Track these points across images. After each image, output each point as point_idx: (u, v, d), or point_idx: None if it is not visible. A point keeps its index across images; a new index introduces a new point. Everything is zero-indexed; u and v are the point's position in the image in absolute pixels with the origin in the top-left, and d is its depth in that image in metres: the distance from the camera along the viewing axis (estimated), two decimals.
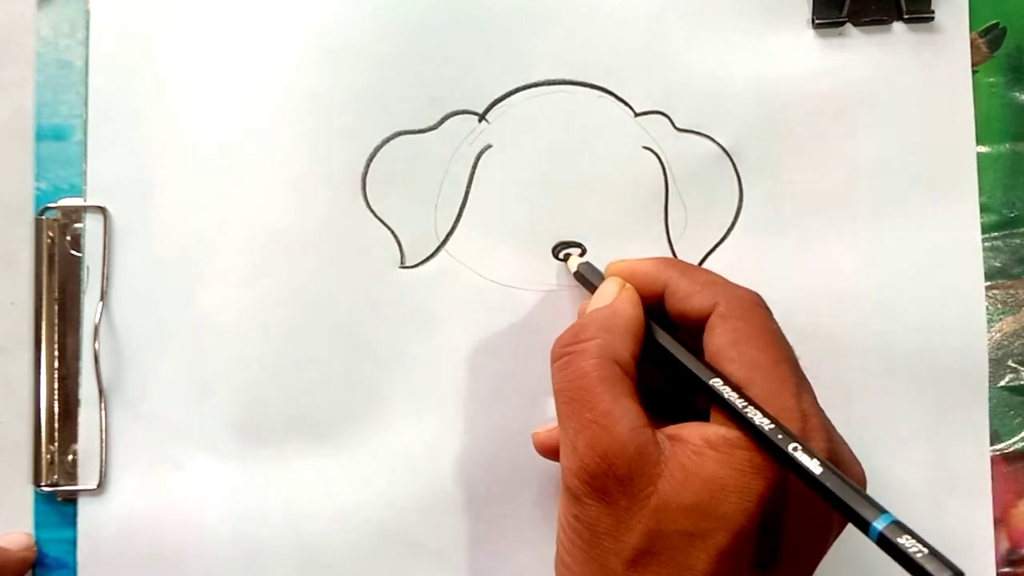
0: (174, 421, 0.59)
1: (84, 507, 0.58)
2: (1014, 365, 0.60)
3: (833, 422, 0.47)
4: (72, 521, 0.58)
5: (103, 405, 0.58)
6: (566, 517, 0.47)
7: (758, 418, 0.43)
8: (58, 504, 0.59)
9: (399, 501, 0.59)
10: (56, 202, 0.59)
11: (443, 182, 0.59)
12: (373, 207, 0.59)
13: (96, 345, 0.58)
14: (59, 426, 0.58)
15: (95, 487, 0.58)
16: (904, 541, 0.38)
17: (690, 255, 0.59)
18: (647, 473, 0.44)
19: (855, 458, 0.48)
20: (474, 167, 0.59)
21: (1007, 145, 0.60)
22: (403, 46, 0.59)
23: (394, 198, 0.59)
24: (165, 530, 0.59)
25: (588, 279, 0.55)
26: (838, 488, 0.41)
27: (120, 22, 0.59)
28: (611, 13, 0.60)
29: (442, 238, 0.59)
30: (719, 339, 0.47)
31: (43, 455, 0.58)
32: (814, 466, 0.41)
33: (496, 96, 0.59)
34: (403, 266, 0.59)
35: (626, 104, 0.59)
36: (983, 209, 0.60)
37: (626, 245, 0.59)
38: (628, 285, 0.52)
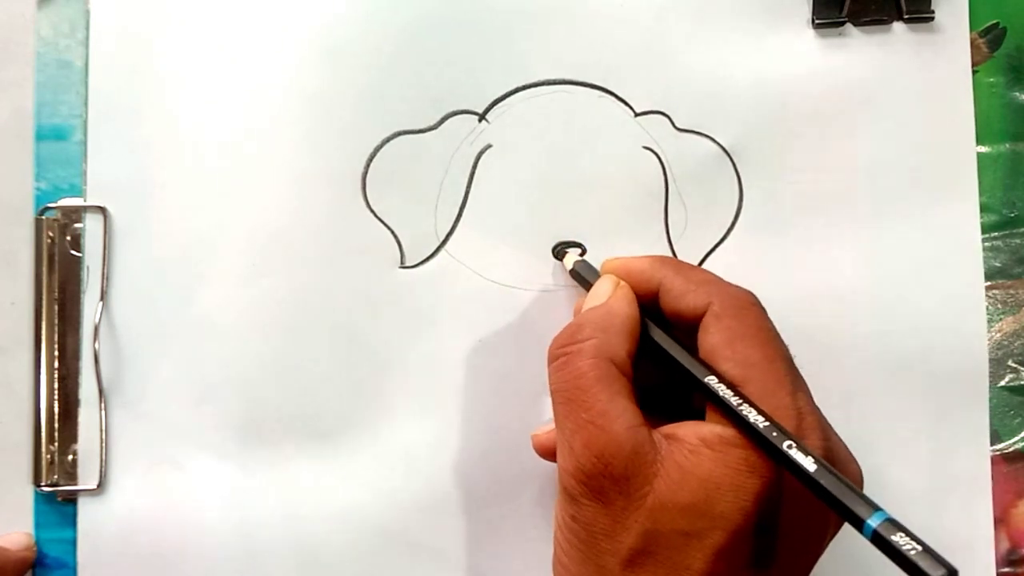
0: (174, 421, 0.59)
1: (84, 507, 0.58)
2: (1014, 365, 0.60)
3: (832, 422, 0.47)
4: (72, 521, 0.58)
5: (103, 405, 0.58)
6: (563, 517, 0.47)
7: (753, 416, 0.43)
8: (58, 504, 0.59)
9: (399, 501, 0.59)
10: (56, 202, 0.59)
11: (443, 182, 0.59)
12: (373, 207, 0.59)
13: (96, 345, 0.58)
14: (59, 426, 0.58)
15: (95, 487, 0.58)
16: (898, 538, 0.38)
17: (690, 255, 0.59)
18: (643, 473, 0.44)
19: (852, 456, 0.47)
20: (474, 167, 0.59)
21: (1007, 145, 0.60)
22: (403, 46, 0.59)
23: (394, 198, 0.59)
24: (165, 530, 0.59)
25: (584, 277, 0.55)
26: (832, 485, 0.41)
27: (120, 22, 0.59)
28: (611, 13, 0.60)
29: (442, 238, 0.59)
30: (714, 338, 0.47)
31: (43, 455, 0.58)
32: (808, 463, 0.41)
33: (496, 96, 0.59)
34: (403, 266, 0.59)
35: (626, 104, 0.59)
36: (983, 209, 0.60)
37: (626, 245, 0.59)
38: (623, 283, 0.51)
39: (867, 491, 0.41)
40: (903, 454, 0.59)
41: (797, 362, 0.48)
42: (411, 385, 0.59)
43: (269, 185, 0.59)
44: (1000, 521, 0.60)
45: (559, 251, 0.59)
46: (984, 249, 0.60)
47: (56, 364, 0.59)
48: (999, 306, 0.60)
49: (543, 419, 0.58)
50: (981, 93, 0.60)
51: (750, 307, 0.48)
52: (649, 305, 0.51)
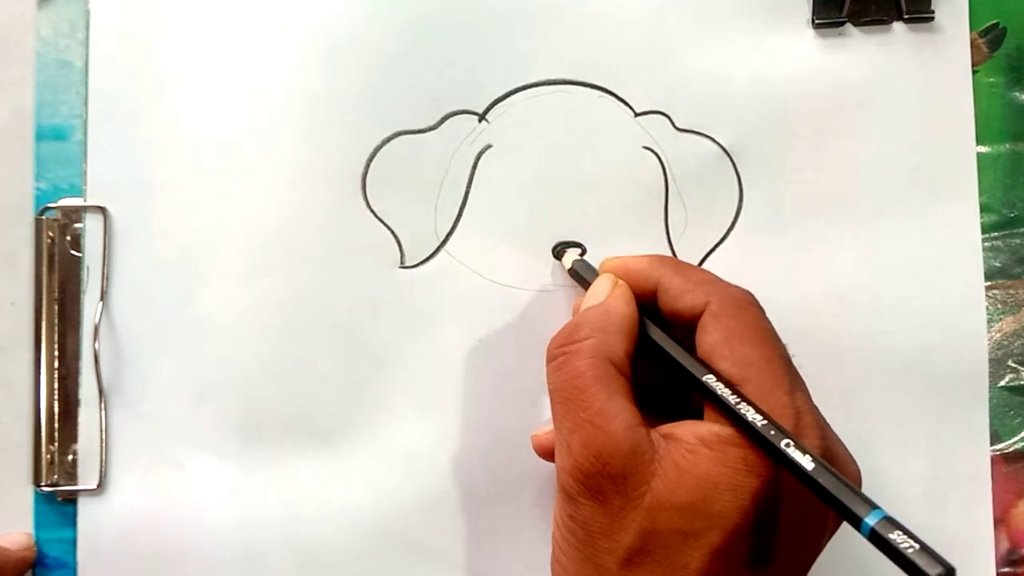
0: (174, 421, 0.59)
1: (84, 507, 0.58)
2: (1014, 365, 0.60)
3: (832, 422, 0.47)
4: (72, 521, 0.58)
5: (103, 405, 0.58)
6: (561, 516, 0.47)
7: (751, 415, 0.43)
8: (58, 504, 0.59)
9: (399, 501, 0.59)
10: (56, 202, 0.59)
11: (443, 182, 0.59)
12: (373, 207, 0.59)
13: (96, 345, 0.58)
14: (59, 426, 0.59)
15: (95, 487, 0.58)
16: (896, 537, 0.38)
17: (690, 255, 0.59)
18: (641, 472, 0.44)
19: (850, 456, 0.47)
20: (474, 167, 0.59)
21: (1007, 145, 0.60)
22: (403, 46, 0.59)
23: (394, 198, 0.59)
24: (165, 530, 0.59)
25: (583, 276, 0.55)
26: (830, 484, 0.41)
27: (120, 22, 0.59)
28: (611, 13, 0.60)
29: (442, 238, 0.59)
30: (712, 337, 0.47)
31: (43, 455, 0.58)
32: (806, 462, 0.41)
33: (496, 96, 0.59)
34: (403, 266, 0.59)
35: (626, 104, 0.59)
36: (983, 209, 0.60)
37: (626, 245, 0.59)
38: (621, 282, 0.51)
39: (867, 491, 0.41)
40: (903, 454, 0.59)
41: (797, 362, 0.48)
42: (411, 385, 0.59)
43: (269, 185, 0.59)
44: (1000, 521, 0.59)
45: (559, 251, 0.59)
46: (984, 249, 0.60)
47: (56, 364, 0.59)
48: (999, 306, 0.60)
49: (543, 419, 0.58)
50: (981, 93, 0.60)
51: (748, 306, 0.48)
52: (648, 304, 0.51)
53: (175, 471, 0.59)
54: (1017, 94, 0.61)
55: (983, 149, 0.60)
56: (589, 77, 0.59)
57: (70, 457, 0.58)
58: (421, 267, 0.59)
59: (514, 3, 0.59)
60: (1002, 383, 0.60)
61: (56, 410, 0.59)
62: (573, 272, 0.56)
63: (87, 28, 0.59)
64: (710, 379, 0.45)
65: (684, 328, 0.49)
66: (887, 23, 0.60)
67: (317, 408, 0.59)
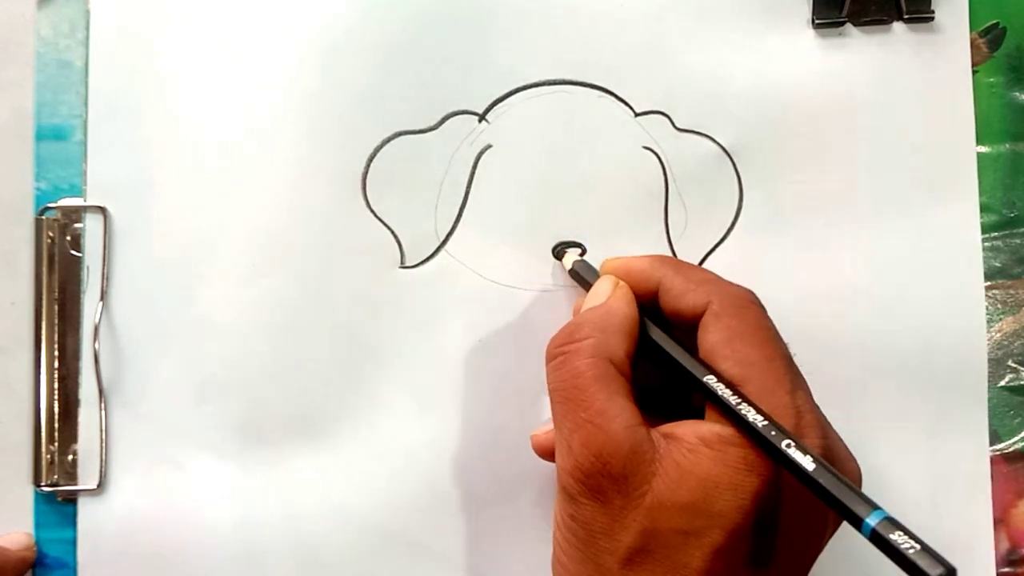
0: (174, 421, 0.59)
1: (84, 507, 0.58)
2: (1014, 365, 0.60)
3: (832, 421, 0.47)
4: (72, 521, 0.58)
5: (103, 405, 0.58)
6: (562, 516, 0.47)
7: (752, 415, 0.43)
8: (58, 504, 0.59)
9: (399, 501, 0.59)
10: (56, 202, 0.59)
11: (443, 182, 0.59)
12: (373, 207, 0.59)
13: (96, 345, 0.58)
14: (59, 426, 0.59)
15: (95, 487, 0.58)
16: (897, 537, 0.38)
17: (690, 255, 0.59)
18: (642, 472, 0.44)
19: (851, 456, 0.47)
20: (474, 167, 0.59)
21: (1007, 145, 0.60)
22: (403, 46, 0.59)
23: (394, 198, 0.59)
24: (165, 530, 0.59)
25: (583, 277, 0.55)
26: (831, 484, 0.41)
27: (120, 22, 0.59)
28: (611, 13, 0.60)
29: (442, 238, 0.59)
30: (713, 337, 0.47)
31: (43, 455, 0.58)
32: (807, 462, 0.41)
33: (496, 96, 0.59)
34: (403, 266, 0.59)
35: (626, 104, 0.59)
36: (983, 209, 0.60)
37: (626, 245, 0.59)
38: (622, 283, 0.51)
39: (867, 491, 0.41)
40: (903, 454, 0.59)
41: (797, 361, 0.48)
42: (411, 385, 0.59)
43: (269, 185, 0.59)
44: (1000, 521, 0.60)
45: (559, 251, 0.59)
46: (984, 249, 0.60)
47: (56, 364, 0.59)
48: (999, 306, 0.60)
49: (543, 419, 0.58)
50: (981, 93, 0.60)
51: (750, 306, 0.48)
52: (649, 305, 0.51)
53: (175, 471, 0.59)
54: (1017, 94, 0.61)
55: (983, 149, 0.60)
56: (589, 77, 0.59)
57: (70, 457, 0.58)
58: (421, 267, 0.59)
59: (514, 3, 0.59)
60: (1002, 383, 0.60)
61: (56, 410, 0.59)
62: (574, 273, 0.56)
63: (87, 28, 0.59)
64: (711, 380, 0.45)
65: (686, 328, 0.49)
66: (887, 23, 0.60)
67: (317, 408, 0.59)
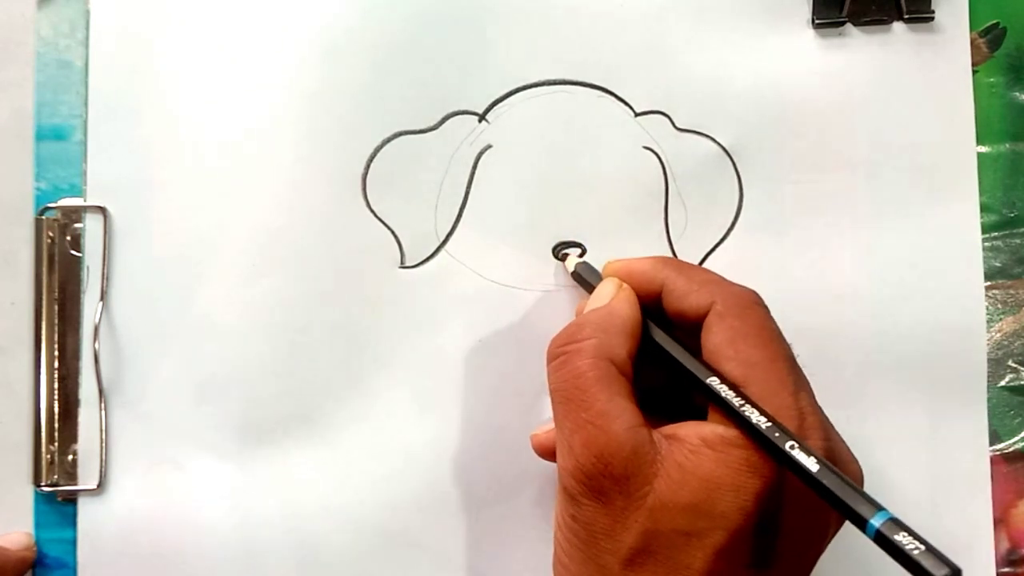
0: (174, 421, 0.59)
1: (84, 507, 0.58)
2: (1014, 365, 0.60)
3: (832, 421, 0.47)
4: (72, 521, 0.58)
5: (103, 405, 0.58)
6: (563, 517, 0.47)
7: (755, 416, 0.43)
8: (58, 504, 0.59)
9: (399, 501, 0.59)
10: (56, 202, 0.59)
11: (443, 182, 0.59)
12: (373, 207, 0.59)
13: (96, 345, 0.58)
14: (59, 426, 0.58)
15: (95, 487, 0.58)
16: (901, 538, 0.38)
17: (690, 255, 0.59)
18: (643, 473, 0.44)
19: (853, 456, 0.47)
20: (474, 167, 0.59)
21: (1007, 145, 0.60)
22: (403, 46, 0.59)
23: (394, 198, 0.59)
24: (165, 530, 0.58)
25: (586, 279, 0.55)
26: (835, 486, 0.41)
27: (120, 22, 0.59)
28: (611, 13, 0.60)
29: (442, 238, 0.59)
30: (716, 338, 0.47)
31: (43, 455, 0.58)
32: (811, 464, 0.41)
33: (496, 96, 0.59)
34: (403, 266, 0.59)
35: (626, 104, 0.59)
36: (983, 209, 0.60)
37: (626, 245, 0.59)
38: (625, 285, 0.51)
39: (867, 491, 0.41)
40: (903, 454, 0.59)
41: (798, 361, 0.48)
42: (411, 385, 0.59)
43: (269, 185, 0.59)
44: (1000, 521, 0.60)
45: (559, 251, 0.59)
46: (984, 249, 0.60)
47: (56, 364, 0.59)
48: (999, 306, 0.60)
49: (543, 419, 0.57)
50: (981, 93, 0.60)
51: (753, 306, 0.48)
52: (652, 306, 0.51)
53: (175, 471, 0.59)
54: (1017, 94, 0.61)
55: (983, 149, 0.60)
56: (589, 77, 0.59)
57: (70, 457, 0.58)
58: (421, 267, 0.59)
59: (514, 3, 0.59)
60: (1002, 383, 0.60)
61: (56, 410, 0.59)
62: (576, 275, 0.56)
63: (87, 28, 0.59)
64: (714, 381, 0.45)
65: (689, 329, 0.49)
66: (887, 23, 0.60)
67: (317, 408, 0.59)
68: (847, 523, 0.42)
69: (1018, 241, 0.60)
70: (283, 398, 0.59)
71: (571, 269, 0.57)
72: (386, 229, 0.59)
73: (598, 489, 0.45)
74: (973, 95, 0.60)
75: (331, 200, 0.59)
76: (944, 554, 0.37)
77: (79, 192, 0.59)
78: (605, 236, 0.59)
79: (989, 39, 0.61)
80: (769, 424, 0.43)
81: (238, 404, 0.59)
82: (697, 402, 0.49)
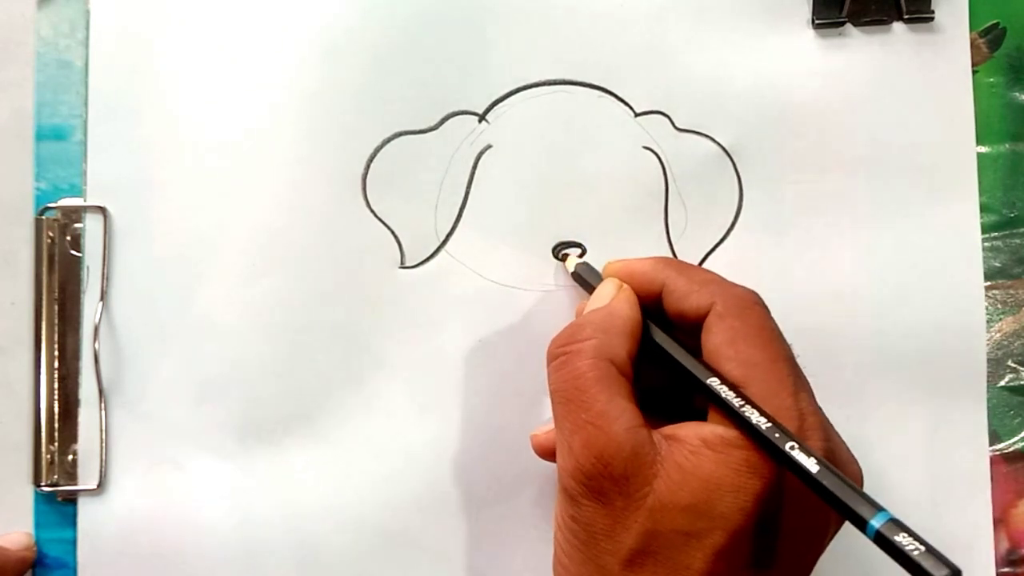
0: (174, 421, 0.59)
1: (84, 507, 0.58)
2: (1014, 365, 0.60)
3: (832, 422, 0.47)
4: (72, 521, 0.58)
5: (103, 405, 0.58)
6: (563, 517, 0.47)
7: (755, 417, 0.43)
8: (58, 504, 0.59)
9: (399, 501, 0.59)
10: (56, 202, 0.59)
11: (443, 182, 0.59)
12: (373, 207, 0.59)
13: (96, 345, 0.58)
14: (59, 426, 0.58)
15: (95, 487, 0.58)
16: (901, 539, 0.38)
17: (690, 255, 0.59)
18: (643, 473, 0.44)
19: (853, 457, 0.47)
20: (474, 167, 0.59)
21: (1007, 145, 0.60)
22: (403, 46, 0.59)
23: (394, 198, 0.59)
24: (165, 530, 0.59)
25: (586, 279, 0.55)
26: (835, 486, 0.41)
27: (120, 22, 0.59)
28: (611, 13, 0.60)
29: (442, 238, 0.59)
30: (716, 338, 0.47)
31: (43, 455, 0.58)
32: (811, 464, 0.41)
33: (496, 96, 0.59)
34: (403, 266, 0.59)
35: (626, 104, 0.59)
36: (983, 209, 0.60)
37: (626, 245, 0.59)
38: (625, 286, 0.51)
39: (867, 491, 0.41)
40: (903, 454, 0.59)
41: (798, 362, 0.48)
42: (411, 385, 0.59)
43: (269, 185, 0.59)
44: (1000, 521, 0.60)
45: (559, 251, 0.59)
46: (984, 249, 0.60)
47: (56, 364, 0.59)
48: (999, 306, 0.60)
49: (543, 419, 0.58)
50: (981, 93, 0.60)
51: (753, 307, 0.48)
52: (652, 307, 0.51)
53: (175, 471, 0.59)
54: (1017, 94, 0.61)
55: (983, 149, 0.60)
56: (589, 77, 0.59)
57: (70, 457, 0.58)
58: (421, 267, 0.59)
59: (514, 3, 0.59)
60: (1002, 383, 0.60)
61: (56, 410, 0.59)
62: (576, 275, 0.56)
63: (87, 28, 0.59)
64: (714, 382, 0.45)
65: (689, 329, 0.49)
66: (887, 23, 0.60)
67: (317, 408, 0.59)
68: (847, 523, 0.42)
69: (1018, 241, 0.60)
70: (283, 398, 0.59)
71: (571, 269, 0.57)
72: (386, 229, 0.59)
73: (598, 490, 0.45)
74: (973, 95, 0.60)
75: (331, 200, 0.59)
76: (944, 555, 0.37)
77: (79, 192, 0.59)
78: (605, 236, 0.59)
79: (989, 39, 0.61)
80: (769, 425, 0.43)
81: (238, 404, 0.59)
82: (697, 403, 0.49)
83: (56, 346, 0.58)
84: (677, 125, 0.59)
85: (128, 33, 0.59)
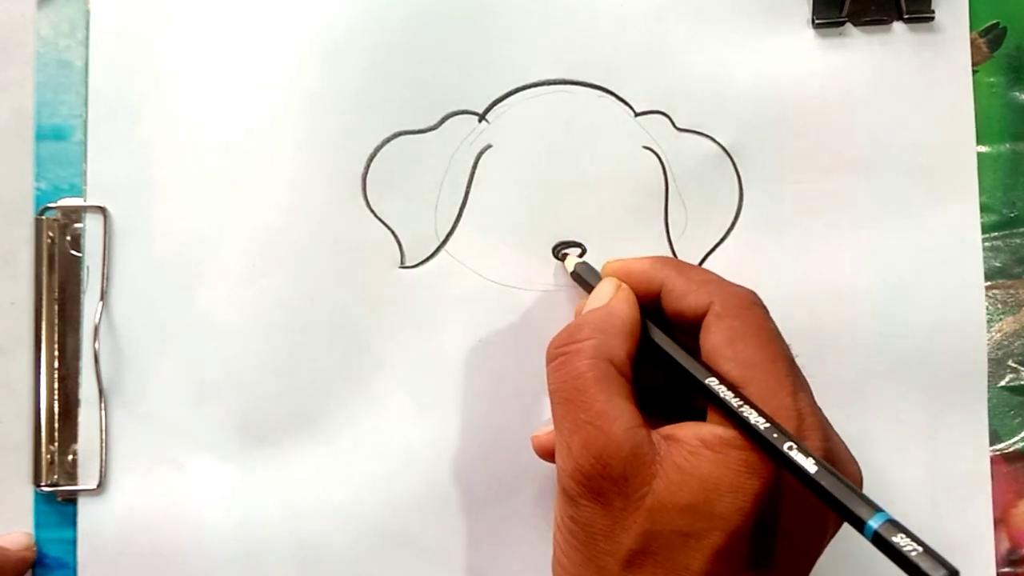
0: (174, 421, 0.59)
1: (84, 507, 0.58)
2: (1014, 365, 0.60)
3: (832, 421, 0.47)
4: (72, 521, 0.58)
5: (103, 405, 0.58)
6: (562, 518, 0.47)
7: (753, 417, 0.43)
8: (58, 504, 0.59)
9: (399, 501, 0.59)
10: (56, 202, 0.59)
11: (443, 182, 0.59)
12: (373, 207, 0.59)
13: (96, 345, 0.58)
14: (59, 426, 0.58)
15: (95, 487, 0.58)
16: (899, 539, 0.38)
17: (690, 255, 0.59)
18: (642, 474, 0.44)
19: (852, 457, 0.47)
20: (474, 167, 0.59)
21: (1007, 145, 0.60)
22: (403, 46, 0.59)
23: (394, 198, 0.59)
24: (165, 530, 0.59)
25: (585, 279, 0.55)
26: (833, 487, 0.41)
27: (120, 22, 0.59)
28: (611, 13, 0.60)
29: (442, 238, 0.59)
30: (715, 338, 0.47)
31: (43, 455, 0.58)
32: (809, 465, 0.41)
33: (496, 96, 0.59)
34: (403, 266, 0.59)
35: (626, 104, 0.59)
36: (983, 209, 0.60)
37: (626, 245, 0.59)
38: (624, 285, 0.51)
39: (867, 491, 0.41)
40: (903, 454, 0.59)
41: (797, 362, 0.48)
42: (411, 385, 0.59)
43: (269, 185, 0.59)
44: (1000, 521, 0.60)
45: (559, 251, 0.59)
46: (984, 249, 0.60)
47: (56, 364, 0.59)
48: (999, 306, 0.60)
49: (543, 419, 0.58)
50: (981, 93, 0.60)
51: (752, 307, 0.48)
52: (651, 306, 0.51)
53: (175, 471, 0.59)
54: (1017, 94, 0.61)
55: (983, 149, 0.60)
56: (589, 77, 0.59)
57: (70, 457, 0.58)
58: (421, 267, 0.59)
59: (514, 3, 0.59)
60: (1002, 383, 0.60)
61: (56, 410, 0.59)
62: (576, 275, 0.56)
63: (87, 28, 0.59)
64: (712, 382, 0.45)
65: (688, 329, 0.49)
66: (887, 23, 0.60)
67: (317, 408, 0.59)
68: (846, 524, 0.42)
69: (1018, 241, 0.60)
70: (283, 398, 0.59)
71: (571, 269, 0.57)
72: (386, 229, 0.59)
73: (597, 490, 0.45)
74: (973, 95, 0.60)
75: (331, 200, 0.59)
76: (942, 555, 0.37)
77: (79, 192, 0.59)
78: (605, 236, 0.59)
79: (989, 39, 0.61)
80: (767, 425, 0.43)
81: (238, 404, 0.59)
82: (696, 404, 0.49)
83: (56, 346, 0.58)
84: (677, 125, 0.59)
85: (128, 33, 0.59)
